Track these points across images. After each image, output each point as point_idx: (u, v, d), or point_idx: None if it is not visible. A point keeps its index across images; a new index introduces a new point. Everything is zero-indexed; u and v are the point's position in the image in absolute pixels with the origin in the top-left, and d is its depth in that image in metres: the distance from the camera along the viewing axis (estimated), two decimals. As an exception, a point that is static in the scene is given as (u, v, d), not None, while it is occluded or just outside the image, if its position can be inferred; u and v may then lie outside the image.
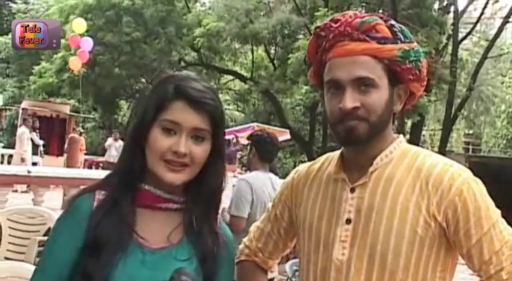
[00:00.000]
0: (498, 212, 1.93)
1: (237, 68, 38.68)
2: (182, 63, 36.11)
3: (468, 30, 30.78)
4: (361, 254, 1.93)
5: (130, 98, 39.85)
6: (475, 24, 30.68)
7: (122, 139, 24.29)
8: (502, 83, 39.43)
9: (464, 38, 30.37)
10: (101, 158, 26.72)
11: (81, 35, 22.07)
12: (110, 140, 24.40)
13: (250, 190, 5.59)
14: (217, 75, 38.32)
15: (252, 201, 5.56)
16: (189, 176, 1.89)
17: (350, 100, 1.90)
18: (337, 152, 2.14)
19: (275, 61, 34.39)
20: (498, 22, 33.68)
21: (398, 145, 2.03)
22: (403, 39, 1.95)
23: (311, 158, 26.99)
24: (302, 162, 37.25)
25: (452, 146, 37.74)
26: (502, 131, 39.60)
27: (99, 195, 1.87)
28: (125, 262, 1.76)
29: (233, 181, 13.73)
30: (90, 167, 25.38)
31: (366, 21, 1.96)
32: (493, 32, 32.49)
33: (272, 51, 35.03)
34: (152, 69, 34.76)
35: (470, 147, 42.00)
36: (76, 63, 21.65)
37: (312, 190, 2.16)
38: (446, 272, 1.96)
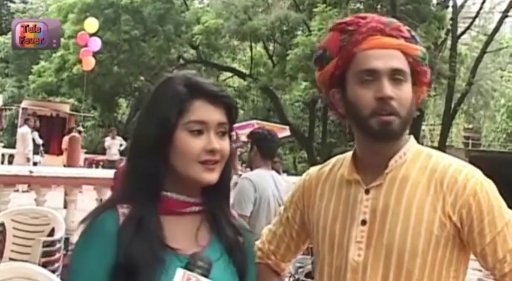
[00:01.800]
0: (510, 211, 1.96)
1: (235, 65, 38.71)
2: (181, 61, 36.14)
3: (467, 24, 30.80)
4: (377, 254, 1.94)
5: (130, 96, 39.88)
6: (474, 18, 30.71)
7: (123, 137, 24.32)
8: (501, 77, 39.43)
9: (463, 32, 30.39)
10: (101, 157, 26.71)
11: (91, 35, 21.98)
12: (108, 140, 24.34)
13: (253, 188, 5.56)
14: (216, 72, 38.35)
15: (255, 199, 5.54)
16: (220, 172, 1.89)
17: (388, 88, 1.92)
18: (349, 154, 2.15)
19: (274, 58, 34.40)
20: (497, 16, 33.69)
21: (411, 146, 2.05)
22: (419, 42, 2.02)
23: (311, 154, 27.00)
24: (302, 158, 37.34)
25: (452, 140, 37.76)
26: (501, 125, 39.60)
27: (122, 209, 1.81)
28: (166, 274, 1.72)
29: (234, 178, 13.84)
30: (90, 166, 25.39)
31: (392, 21, 2.01)
32: (492, 26, 32.50)
33: (271, 47, 35.04)
34: (151, 67, 34.79)
35: (470, 141, 41.96)
36: (89, 63, 21.61)
37: (324, 192, 2.16)
38: (459, 272, 1.98)
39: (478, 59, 28.44)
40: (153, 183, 1.82)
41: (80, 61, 24.44)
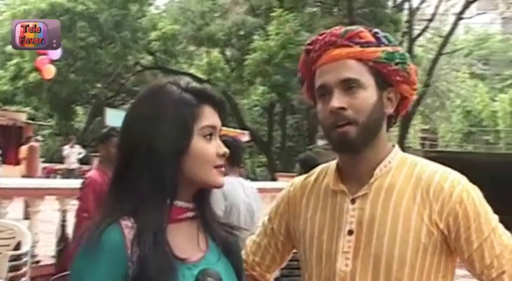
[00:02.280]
0: (496, 217, 1.97)
1: (193, 71, 38.61)
2: (138, 67, 35.99)
3: (421, 27, 31.22)
4: (365, 264, 1.94)
5: (87, 103, 39.53)
6: (430, 21, 31.17)
7: (82, 145, 24.09)
8: (456, 78, 40.04)
9: (419, 35, 30.81)
10: (59, 166, 26.43)
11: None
12: (66, 148, 24.07)
13: (223, 196, 5.43)
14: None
15: (226, 208, 5.50)
16: None
17: (336, 100, 1.92)
18: (333, 163, 2.13)
19: (231, 63, 34.47)
20: (451, 18, 34.21)
21: (396, 155, 2.04)
22: (386, 43, 1.99)
23: (270, 159, 27.08)
24: (261, 162, 37.41)
25: (410, 142, 38.18)
26: (457, 125, 40.27)
27: (125, 222, 1.74)
28: None
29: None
30: (49, 175, 25.10)
31: (349, 29, 1.99)
32: (446, 28, 33.04)
33: (228, 52, 35.07)
34: (108, 74, 34.62)
35: (427, 142, 42.47)
36: (49, 71, 21.29)
37: (310, 202, 2.15)
38: (447, 278, 1.99)
39: (434, 61, 28.87)
40: (170, 192, 1.78)
41: (36, 69, 24.12)
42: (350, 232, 1.98)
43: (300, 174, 7.87)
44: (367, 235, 1.95)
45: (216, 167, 1.83)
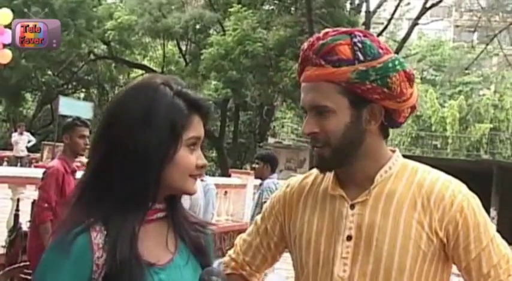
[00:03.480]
0: (494, 226, 2.00)
1: (147, 62, 38.43)
2: (91, 56, 35.61)
3: (377, 30, 31.49)
4: (363, 270, 1.94)
5: (37, 90, 38.95)
6: (387, 25, 31.53)
7: (31, 133, 23.69)
8: (409, 82, 40.42)
9: (375, 38, 31.08)
10: (7, 153, 25.98)
11: (5, 27, 21.26)
12: (15, 135, 23.71)
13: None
14: (127, 69, 38.00)
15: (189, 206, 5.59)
16: None
17: (307, 125, 1.96)
18: None
19: (187, 56, 34.35)
20: (405, 23, 34.59)
21: (397, 160, 2.03)
22: (362, 58, 1.90)
23: (221, 154, 27.05)
24: (210, 158, 37.27)
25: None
26: (407, 129, 40.64)
27: (96, 225, 1.70)
28: None
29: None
30: (-5, 162, 24.61)
31: (326, 43, 1.93)
32: (401, 32, 33.39)
33: (183, 46, 34.93)
34: (60, 62, 34.15)
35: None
36: (6, 56, 20.86)
37: (307, 205, 2.13)
38: None
39: (388, 65, 29.12)
40: (150, 198, 1.76)
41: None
42: (349, 238, 1.98)
43: (261, 171, 7.91)
44: (366, 241, 1.95)
45: (192, 175, 1.81)
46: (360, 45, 1.92)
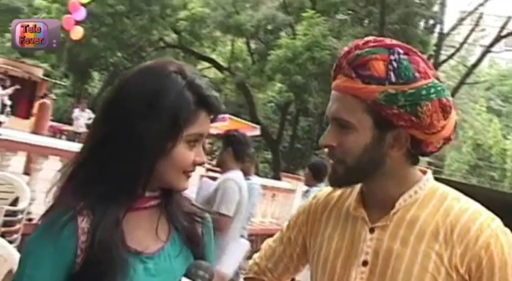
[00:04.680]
0: None
1: (214, 56, 38.57)
2: (161, 44, 35.95)
3: (447, 52, 31.10)
4: None
5: (104, 70, 39.51)
6: (458, 49, 31.08)
7: (92, 109, 24.01)
8: (473, 109, 39.91)
9: (445, 60, 30.69)
10: (66, 127, 26.37)
11: (83, 5, 21.68)
12: (77, 111, 24.07)
13: (239, 189, 5.69)
14: (194, 60, 38.18)
15: (238, 201, 5.69)
16: None
17: (326, 137, 1.84)
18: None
19: (254, 55, 34.37)
20: (478, 49, 34.06)
21: (425, 184, 1.87)
22: (393, 80, 1.73)
23: (276, 157, 26.96)
24: (265, 159, 37.36)
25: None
26: (466, 156, 40.11)
27: (84, 209, 1.66)
28: (131, 278, 1.64)
29: (201, 170, 13.70)
30: (54, 134, 24.96)
31: (361, 54, 1.78)
32: (472, 58, 32.89)
33: (252, 45, 34.98)
34: (130, 45, 34.55)
35: (432, 168, 42.35)
36: (78, 32, 21.34)
37: (329, 222, 2.03)
38: None
39: (455, 89, 28.73)
40: (139, 184, 1.71)
41: (62, 28, 24.11)
42: (364, 263, 1.86)
43: (308, 179, 7.91)
44: (381, 269, 1.82)
45: (185, 172, 1.75)
46: (395, 64, 1.76)
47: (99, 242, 1.61)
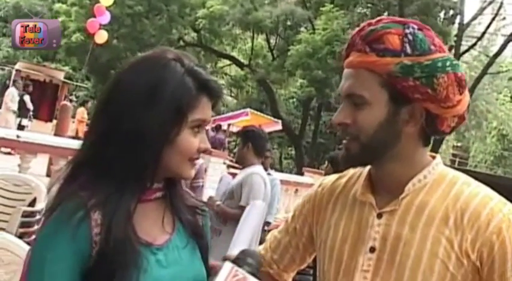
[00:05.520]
0: None
1: (235, 54, 38.67)
2: (181, 43, 36.03)
3: (469, 43, 30.87)
4: None
5: (125, 71, 39.64)
6: (479, 39, 30.82)
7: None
8: (497, 99, 39.62)
9: (466, 50, 30.48)
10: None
11: (107, 8, 21.86)
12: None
13: (264, 184, 5.88)
14: (214, 58, 38.28)
15: (264, 195, 5.89)
16: None
17: (339, 115, 1.79)
18: (367, 169, 1.96)
19: (274, 51, 34.43)
20: (500, 39, 33.77)
21: (434, 169, 1.83)
22: (409, 51, 1.71)
23: (299, 152, 26.96)
24: (288, 154, 37.33)
25: (440, 156, 37.97)
26: (490, 147, 39.83)
27: (95, 201, 1.63)
28: (145, 272, 1.63)
29: (222, 167, 13.71)
30: (76, 136, 25.07)
31: (376, 29, 1.76)
32: (494, 48, 32.64)
33: (272, 41, 35.01)
34: (150, 45, 34.52)
35: (457, 159, 42.12)
36: (102, 36, 21.51)
37: (336, 209, 1.99)
38: None
39: (478, 79, 28.50)
40: (147, 178, 1.71)
41: (85, 31, 24.36)
42: (372, 249, 1.81)
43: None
44: (389, 255, 1.78)
45: (191, 159, 1.75)
46: (410, 37, 1.73)
47: (113, 234, 1.60)
